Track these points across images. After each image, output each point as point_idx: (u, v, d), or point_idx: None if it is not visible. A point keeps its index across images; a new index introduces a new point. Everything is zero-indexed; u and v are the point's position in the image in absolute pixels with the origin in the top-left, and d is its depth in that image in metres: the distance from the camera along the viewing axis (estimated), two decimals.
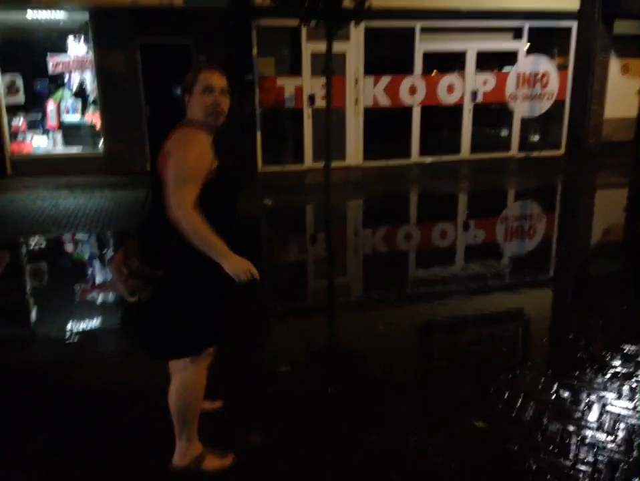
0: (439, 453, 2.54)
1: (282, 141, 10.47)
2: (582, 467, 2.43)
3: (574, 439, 2.62)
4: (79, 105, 9.71)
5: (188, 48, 9.58)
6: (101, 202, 7.80)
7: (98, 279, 5.30)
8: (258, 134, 9.95)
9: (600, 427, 2.71)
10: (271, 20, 9.28)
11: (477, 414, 2.84)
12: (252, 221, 7.35)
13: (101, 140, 9.68)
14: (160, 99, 9.75)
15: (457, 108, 10.89)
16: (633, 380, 3.14)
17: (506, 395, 3.01)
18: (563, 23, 10.88)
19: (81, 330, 4.01)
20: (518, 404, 2.92)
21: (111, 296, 4.68)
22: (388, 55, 10.92)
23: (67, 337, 3.86)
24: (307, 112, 10.12)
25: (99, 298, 4.68)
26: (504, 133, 11.40)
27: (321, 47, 8.60)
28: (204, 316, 2.25)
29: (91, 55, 9.33)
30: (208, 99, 2.27)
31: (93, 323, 4.18)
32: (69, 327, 4.02)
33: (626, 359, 3.39)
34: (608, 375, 3.20)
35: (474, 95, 10.82)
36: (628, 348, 3.52)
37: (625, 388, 3.06)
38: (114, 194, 8.24)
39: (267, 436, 2.69)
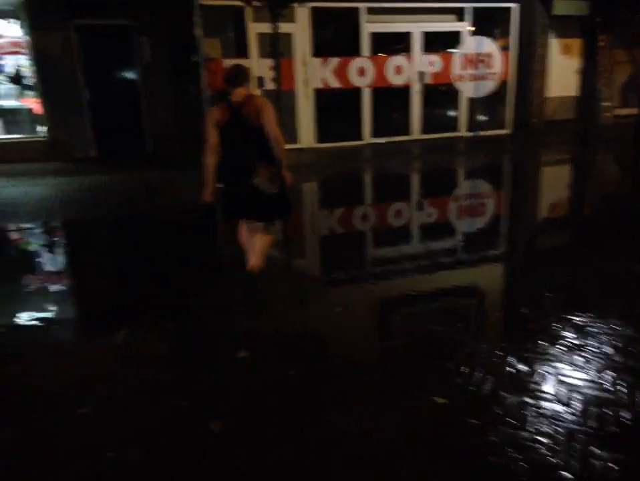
0: (401, 431, 2.56)
1: None
2: (542, 439, 2.50)
3: (531, 412, 2.69)
4: (16, 90, 9.18)
5: (127, 29, 9.20)
6: (44, 190, 7.43)
7: (44, 269, 5.06)
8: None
9: (556, 399, 2.80)
10: (215, 0, 9.01)
11: (437, 390, 2.87)
12: (200, 207, 7.17)
13: (40, 126, 9.21)
14: (101, 82, 9.34)
15: (406, 89, 10.98)
16: (584, 350, 3.26)
17: (464, 370, 3.07)
18: (504, 4, 11.09)
19: (27, 322, 3.82)
20: (476, 379, 2.98)
21: (52, 288, 4.49)
22: (335, 36, 10.85)
23: (12, 328, 3.66)
24: (256, 94, 9.91)
25: (45, 289, 4.46)
26: (452, 113, 11.58)
27: (266, 27, 8.44)
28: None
29: (26, 38, 8.82)
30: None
31: (40, 314, 3.98)
32: (14, 318, 3.83)
33: (577, 329, 3.51)
34: (561, 347, 3.30)
35: (422, 76, 10.91)
36: (577, 319, 3.65)
37: (578, 358, 3.17)
38: (57, 181, 7.87)
39: (228, 423, 2.64)
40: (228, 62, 9.69)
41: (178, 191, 7.56)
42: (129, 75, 9.52)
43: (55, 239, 6.00)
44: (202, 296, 4.27)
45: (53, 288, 4.57)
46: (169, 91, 9.50)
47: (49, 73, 8.93)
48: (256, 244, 4.08)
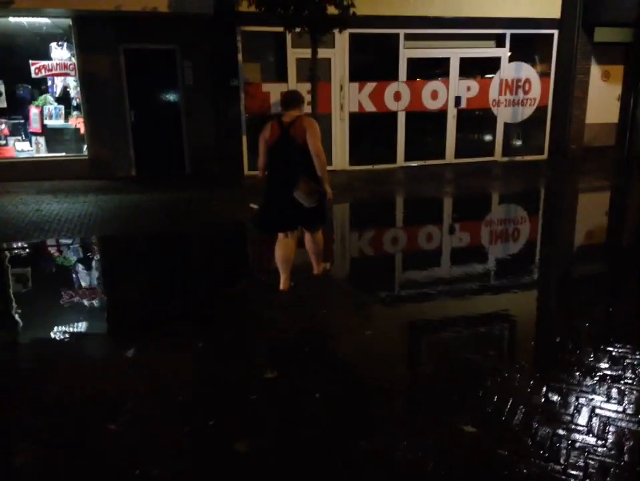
0: (428, 458, 2.53)
1: None
2: (573, 472, 2.43)
3: (564, 444, 2.63)
4: (63, 110, 9.61)
5: (173, 53, 9.55)
6: (85, 206, 7.71)
7: (82, 284, 5.23)
8: (244, 139, 9.93)
9: (590, 431, 2.73)
10: (256, 26, 9.28)
11: (466, 418, 2.84)
12: (239, 225, 7.31)
13: (85, 145, 9.59)
14: (144, 104, 9.69)
15: (442, 113, 11.00)
16: (621, 382, 3.17)
17: (495, 398, 3.02)
18: (545, 31, 11.04)
19: (66, 336, 3.95)
20: (507, 408, 2.93)
21: (93, 302, 4.63)
22: (373, 61, 10.98)
23: (52, 343, 3.80)
24: None
25: (84, 304, 4.60)
26: (487, 138, 11.52)
27: (306, 53, 8.63)
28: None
29: (74, 60, 9.25)
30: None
31: (78, 328, 4.11)
32: (53, 333, 3.97)
33: (614, 361, 3.42)
34: (596, 378, 3.22)
35: (458, 100, 10.92)
36: (615, 350, 3.56)
37: (614, 391, 3.09)
38: (98, 199, 8.16)
39: (253, 443, 2.66)
40: (267, 86, 9.95)
41: (214, 210, 7.73)
42: (172, 97, 9.85)
43: (93, 254, 6.20)
44: (234, 313, 4.33)
45: (89, 302, 4.70)
46: (209, 114, 9.77)
47: (96, 95, 9.32)
48: (312, 248, 4.68)
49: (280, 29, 8.35)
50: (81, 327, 4.19)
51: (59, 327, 4.14)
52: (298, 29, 8.17)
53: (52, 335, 4.00)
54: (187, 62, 9.48)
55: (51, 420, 2.87)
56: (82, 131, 9.61)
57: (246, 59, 9.72)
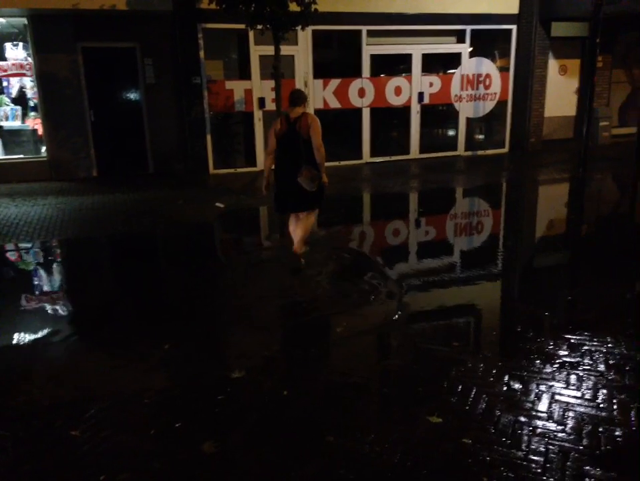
0: (396, 451, 2.57)
1: (233, 144, 10.39)
2: (534, 458, 2.50)
3: (525, 430, 2.70)
4: (19, 111, 9.34)
5: (133, 51, 9.38)
6: (44, 209, 7.52)
7: (42, 288, 5.10)
8: (209, 137, 9.85)
9: (550, 417, 2.81)
10: (218, 23, 9.19)
11: (432, 409, 2.89)
12: (205, 224, 7.25)
13: (44, 146, 9.34)
14: (105, 103, 9.50)
15: (406, 109, 11.11)
16: (579, 369, 3.27)
17: (459, 388, 3.08)
18: (503, 26, 11.26)
19: (28, 341, 3.85)
20: (471, 397, 2.99)
21: (54, 306, 4.53)
22: (336, 58, 11.02)
23: (12, 349, 3.70)
24: (258, 115, 10.09)
25: (45, 309, 4.49)
26: (450, 133, 11.69)
27: (269, 50, 8.59)
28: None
29: (30, 60, 9.00)
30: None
31: (40, 333, 4.02)
32: (14, 339, 3.86)
33: (572, 348, 3.53)
34: (556, 365, 3.32)
35: (421, 96, 11.05)
36: (573, 338, 3.67)
37: (572, 377, 3.18)
38: (58, 201, 7.96)
39: (221, 444, 2.65)
40: (231, 83, 9.88)
41: (180, 209, 7.64)
42: (133, 96, 9.67)
43: (53, 258, 6.06)
44: (198, 315, 4.30)
45: (50, 307, 4.59)
46: (172, 112, 9.64)
47: (54, 95, 9.09)
48: (300, 229, 5.09)
49: (242, 26, 8.29)
50: (43, 332, 4.09)
51: (20, 333, 4.03)
52: (260, 27, 8.13)
53: (12, 341, 3.90)
54: (147, 60, 9.33)
55: (13, 428, 2.80)
56: (40, 132, 9.36)
57: (209, 57, 9.62)
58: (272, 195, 5.11)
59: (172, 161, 9.74)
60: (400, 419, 2.85)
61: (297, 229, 5.11)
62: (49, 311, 4.46)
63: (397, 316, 4.16)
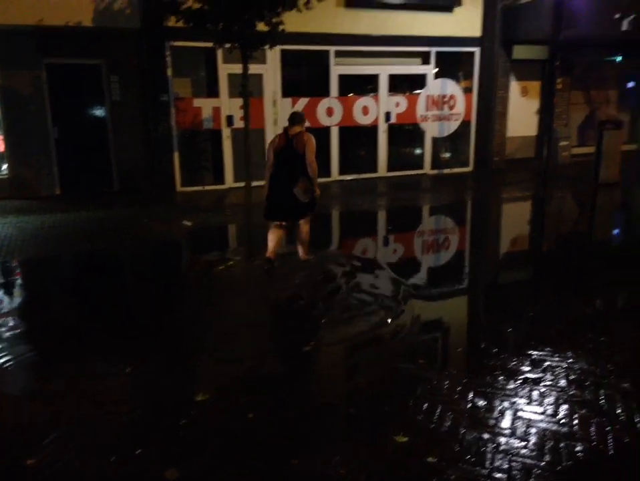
0: (361, 472, 2.56)
1: (201, 162, 10.33)
2: (498, 475, 2.53)
3: (489, 447, 2.73)
4: None
5: (98, 68, 9.28)
6: (4, 228, 7.31)
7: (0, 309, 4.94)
8: (176, 155, 9.78)
9: (513, 434, 2.84)
10: (186, 41, 9.19)
11: (398, 428, 2.89)
12: (171, 242, 7.16)
13: (5, 164, 9.12)
14: (69, 120, 9.35)
15: (373, 128, 11.28)
16: (542, 385, 3.33)
17: (425, 406, 3.10)
18: (467, 49, 11.58)
19: None
20: (437, 415, 3.01)
21: (13, 328, 4.38)
22: (305, 77, 11.13)
23: None
24: (226, 133, 10.08)
25: (2, 331, 4.34)
26: (417, 152, 11.91)
27: (237, 68, 8.62)
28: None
29: None
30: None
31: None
32: None
33: (535, 364, 3.59)
34: (519, 381, 3.37)
35: (388, 116, 11.24)
36: (535, 354, 3.74)
37: (535, 393, 3.24)
38: (18, 220, 7.76)
39: (184, 470, 2.59)
40: (199, 101, 9.86)
41: (145, 227, 7.53)
42: (98, 113, 9.55)
43: (11, 277, 5.89)
44: (162, 335, 4.23)
45: (6, 327, 4.44)
46: (138, 129, 9.55)
47: (16, 111, 8.90)
48: (301, 237, 5.64)
49: (211, 44, 8.31)
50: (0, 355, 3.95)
51: None
52: (228, 45, 8.16)
53: None
54: (114, 77, 9.24)
55: None
56: (1, 149, 9.13)
57: (176, 74, 9.59)
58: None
59: (137, 178, 9.62)
60: (366, 439, 2.84)
61: (298, 240, 5.71)
62: (6, 332, 4.31)
63: (364, 335, 4.16)
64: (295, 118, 5.40)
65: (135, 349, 3.94)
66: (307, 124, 10.35)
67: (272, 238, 5.54)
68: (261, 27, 8.01)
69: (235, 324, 4.47)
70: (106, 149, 9.57)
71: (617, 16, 10.55)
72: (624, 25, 10.63)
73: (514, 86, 12.19)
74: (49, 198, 9.13)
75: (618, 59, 13.24)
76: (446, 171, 11.93)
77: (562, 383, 3.35)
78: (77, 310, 5.00)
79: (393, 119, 11.32)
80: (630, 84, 13.76)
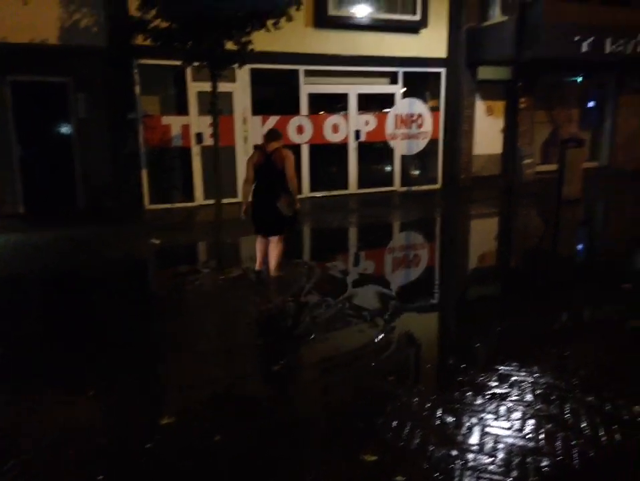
0: None
1: (170, 179, 10.23)
2: None
3: (457, 464, 2.74)
4: None
5: (64, 85, 9.16)
6: None
7: None
8: (144, 172, 9.68)
9: (481, 450, 2.86)
10: (154, 59, 9.16)
11: (367, 447, 2.88)
12: (138, 260, 7.04)
13: None
14: (34, 138, 9.17)
15: (343, 146, 11.39)
16: (508, 400, 3.37)
17: (394, 424, 3.09)
18: (433, 69, 11.85)
19: None
20: (406, 432, 3.01)
21: None
22: (275, 96, 11.19)
23: None
24: (196, 150, 10.04)
25: None
26: (387, 169, 12.06)
27: (207, 86, 8.62)
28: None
29: None
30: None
31: None
32: None
33: (502, 379, 3.63)
34: (486, 397, 3.40)
35: (357, 134, 11.37)
36: (502, 369, 3.78)
37: (502, 408, 3.27)
38: None
39: None
40: (168, 119, 9.81)
41: (109, 246, 7.40)
42: (64, 130, 9.40)
43: None
44: (126, 356, 4.13)
45: None
46: (105, 147, 9.41)
47: None
48: (272, 253, 5.73)
49: (179, 62, 8.30)
50: None
51: None
52: (197, 64, 8.17)
53: None
54: (80, 94, 9.13)
55: None
56: None
57: (145, 92, 9.53)
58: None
59: (104, 197, 9.46)
60: (335, 459, 2.81)
61: (270, 257, 5.76)
62: None
63: (334, 352, 4.15)
64: (273, 135, 5.63)
65: (99, 371, 3.84)
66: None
67: (260, 249, 5.83)
68: (230, 45, 8.05)
69: (203, 343, 4.41)
70: (72, 168, 9.41)
71: (577, 38, 10.97)
72: (584, 47, 11.06)
73: (480, 105, 12.49)
74: (12, 217, 8.89)
75: (579, 79, 13.73)
76: (415, 188, 12.10)
77: (529, 397, 3.39)
78: (39, 331, 4.85)
79: (362, 137, 11.46)
80: (591, 104, 14.25)
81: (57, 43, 8.26)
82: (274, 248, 5.72)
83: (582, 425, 3.08)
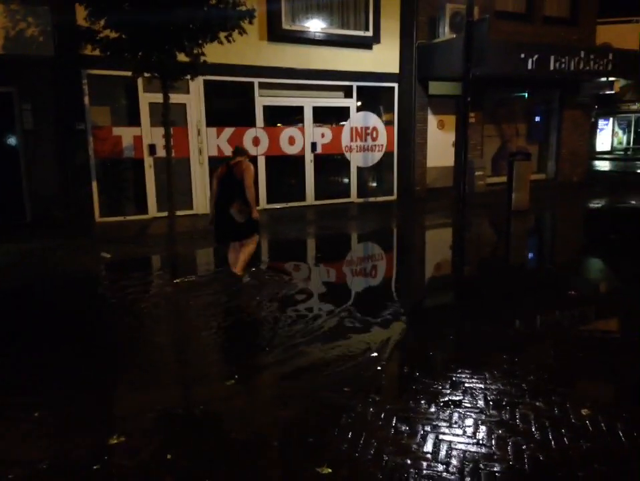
0: None
1: (122, 191, 10.00)
2: None
3: (412, 473, 2.74)
4: None
5: (9, 96, 8.85)
6: None
7: None
8: (94, 184, 9.44)
9: (435, 458, 2.87)
10: (104, 70, 8.98)
11: (322, 460, 2.84)
12: (88, 275, 6.82)
13: None
14: None
15: (300, 158, 11.43)
16: (462, 407, 3.40)
17: (350, 435, 3.07)
18: (386, 84, 12.08)
19: None
20: (361, 443, 2.99)
21: None
22: (230, 108, 11.15)
23: None
24: (148, 162, 9.86)
25: None
26: (343, 181, 12.16)
27: (159, 97, 8.48)
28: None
29: None
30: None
31: None
32: None
33: (455, 387, 3.67)
34: (440, 404, 3.43)
35: (314, 146, 11.44)
36: (456, 376, 3.83)
37: (455, 416, 3.30)
38: None
39: None
40: (119, 130, 9.60)
41: (57, 260, 7.14)
42: (10, 142, 9.07)
43: None
44: (74, 373, 3.97)
45: None
46: (52, 159, 9.13)
47: None
48: (238, 257, 6.11)
49: (130, 73, 8.14)
50: None
51: None
52: (147, 75, 8.04)
53: None
54: (26, 105, 8.84)
55: None
56: None
57: (94, 103, 9.31)
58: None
59: (53, 209, 9.15)
60: (289, 474, 2.77)
61: (238, 255, 6.14)
62: None
63: (288, 365, 4.11)
64: (238, 151, 6.27)
65: (44, 391, 3.67)
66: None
67: (231, 259, 6.23)
68: (182, 57, 7.96)
69: (154, 356, 4.28)
70: (18, 180, 9.08)
71: (522, 56, 11.41)
72: (529, 64, 11.51)
73: (432, 119, 12.79)
74: None
75: (526, 95, 14.27)
76: (372, 199, 12.25)
77: (481, 404, 3.44)
78: None
79: (319, 150, 11.53)
80: (537, 118, 14.83)
81: (1, 53, 7.97)
82: (244, 249, 6.13)
83: (532, 430, 3.14)
